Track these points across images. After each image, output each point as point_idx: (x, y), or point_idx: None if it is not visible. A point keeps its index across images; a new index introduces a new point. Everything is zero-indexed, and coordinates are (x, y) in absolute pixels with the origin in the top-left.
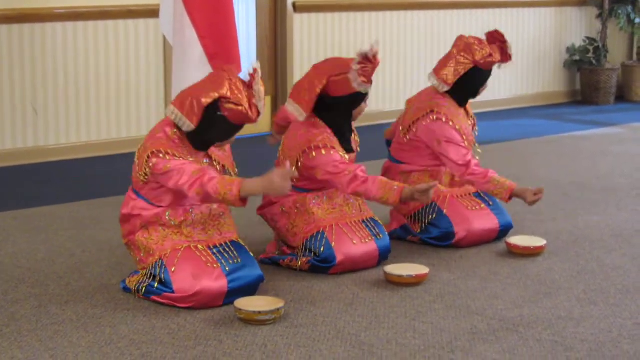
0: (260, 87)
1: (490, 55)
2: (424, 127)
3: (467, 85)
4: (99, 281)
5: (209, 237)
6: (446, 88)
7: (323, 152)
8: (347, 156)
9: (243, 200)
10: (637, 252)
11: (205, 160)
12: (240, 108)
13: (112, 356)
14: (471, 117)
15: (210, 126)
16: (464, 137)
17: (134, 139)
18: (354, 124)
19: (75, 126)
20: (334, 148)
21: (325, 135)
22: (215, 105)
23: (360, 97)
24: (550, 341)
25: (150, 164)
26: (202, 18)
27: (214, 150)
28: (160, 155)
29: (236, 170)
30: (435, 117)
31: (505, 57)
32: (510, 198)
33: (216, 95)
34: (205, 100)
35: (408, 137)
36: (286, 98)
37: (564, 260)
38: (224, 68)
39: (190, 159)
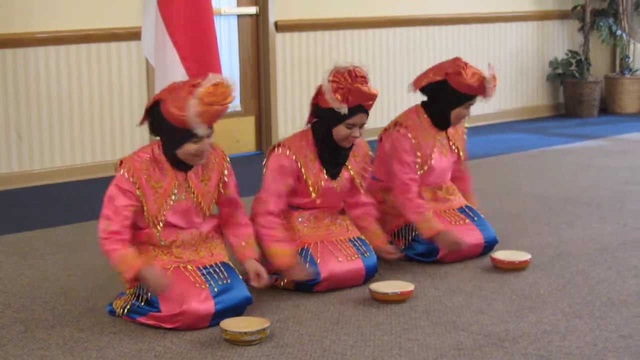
0: (202, 90)
1: (463, 77)
2: (388, 140)
3: (439, 99)
4: (84, 305)
5: (200, 257)
6: (413, 89)
7: (279, 150)
8: (324, 178)
9: (133, 282)
10: (621, 265)
11: (179, 193)
12: (174, 110)
13: None
14: (454, 145)
15: (161, 131)
16: (418, 156)
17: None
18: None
19: (59, 150)
20: (292, 151)
21: (302, 143)
22: (157, 109)
23: (337, 117)
24: (535, 355)
25: (115, 172)
26: (184, 39)
27: (192, 178)
28: (122, 171)
29: (210, 210)
30: (398, 129)
31: (481, 90)
32: (431, 239)
33: (156, 96)
34: (148, 104)
35: (377, 152)
36: (270, 118)
37: (549, 274)
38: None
39: (155, 183)
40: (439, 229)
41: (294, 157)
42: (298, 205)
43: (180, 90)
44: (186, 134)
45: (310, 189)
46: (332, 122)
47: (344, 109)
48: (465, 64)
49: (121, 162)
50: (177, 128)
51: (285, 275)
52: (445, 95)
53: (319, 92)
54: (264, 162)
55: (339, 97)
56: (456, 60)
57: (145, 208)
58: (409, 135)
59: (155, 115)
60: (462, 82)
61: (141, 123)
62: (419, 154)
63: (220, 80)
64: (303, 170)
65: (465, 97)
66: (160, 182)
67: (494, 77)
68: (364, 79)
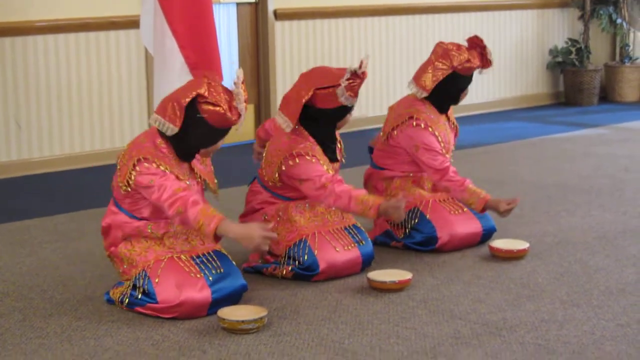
0: (240, 90)
1: (469, 60)
2: (404, 133)
3: (447, 91)
4: (82, 293)
5: (192, 247)
6: (425, 94)
7: (305, 159)
8: (330, 165)
9: (217, 237)
10: (620, 254)
11: (188, 180)
12: (218, 108)
13: None
14: (453, 124)
15: (191, 129)
16: (442, 144)
17: (117, 150)
18: (339, 132)
19: (58, 138)
20: (315, 157)
21: (308, 144)
22: (194, 106)
23: (345, 110)
24: (533, 344)
25: (135, 173)
26: (183, 28)
27: (195, 164)
28: (146, 164)
29: (216, 184)
30: (414, 123)
31: (485, 62)
32: (484, 209)
33: (194, 93)
34: (185, 100)
35: (389, 143)
36: (269, 106)
37: (547, 262)
38: (205, 74)
39: (173, 172)
40: (486, 198)
41: (321, 161)
42: (293, 196)
43: (218, 92)
44: (221, 133)
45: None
46: (339, 116)
47: (355, 102)
48: (456, 46)
49: (136, 161)
50: (214, 127)
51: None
52: (456, 83)
53: (321, 96)
54: (290, 169)
55: (352, 94)
56: (446, 49)
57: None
58: (430, 129)
59: (191, 115)
60: (470, 68)
61: (180, 124)
62: (442, 145)
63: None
64: (325, 167)
65: (469, 78)
66: (173, 168)
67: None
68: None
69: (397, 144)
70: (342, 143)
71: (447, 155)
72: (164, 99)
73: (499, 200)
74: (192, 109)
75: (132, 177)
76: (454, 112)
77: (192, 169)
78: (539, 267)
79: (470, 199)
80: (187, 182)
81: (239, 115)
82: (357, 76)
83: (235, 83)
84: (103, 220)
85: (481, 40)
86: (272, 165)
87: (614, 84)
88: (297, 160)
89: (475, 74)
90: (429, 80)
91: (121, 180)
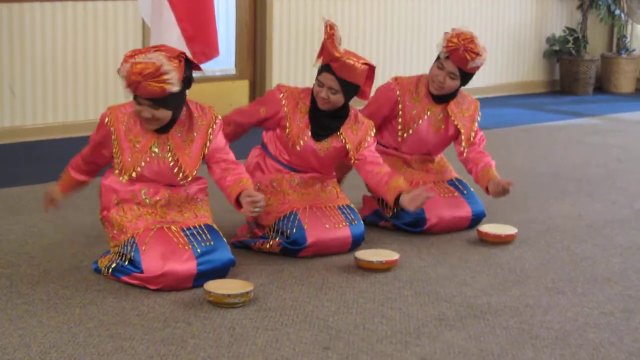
0: (140, 60)
1: (450, 41)
2: (378, 89)
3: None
4: (70, 262)
5: (185, 219)
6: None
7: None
8: (307, 135)
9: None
10: (607, 243)
11: (156, 149)
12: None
13: (81, 336)
14: (455, 121)
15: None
16: (400, 117)
17: None
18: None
19: (52, 107)
20: (286, 94)
21: (300, 95)
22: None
23: (323, 71)
24: (516, 329)
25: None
26: (180, 1)
27: (177, 142)
28: (107, 111)
29: (192, 173)
30: (390, 81)
31: (462, 63)
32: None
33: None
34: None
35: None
36: (264, 82)
37: (535, 249)
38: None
39: (130, 134)
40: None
41: (283, 101)
42: (282, 159)
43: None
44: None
45: (289, 136)
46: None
47: (318, 64)
48: (460, 31)
49: (108, 108)
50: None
51: None
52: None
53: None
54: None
55: (318, 52)
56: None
57: (120, 159)
58: (398, 92)
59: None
60: (448, 49)
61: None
62: (400, 114)
63: (161, 63)
64: (288, 116)
65: (440, 55)
66: (139, 137)
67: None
68: (332, 38)
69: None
70: (349, 142)
71: (404, 134)
72: None
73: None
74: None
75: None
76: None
77: (168, 142)
78: (526, 253)
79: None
80: (154, 150)
81: (138, 73)
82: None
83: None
84: (102, 179)
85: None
86: None
87: (609, 75)
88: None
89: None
90: None
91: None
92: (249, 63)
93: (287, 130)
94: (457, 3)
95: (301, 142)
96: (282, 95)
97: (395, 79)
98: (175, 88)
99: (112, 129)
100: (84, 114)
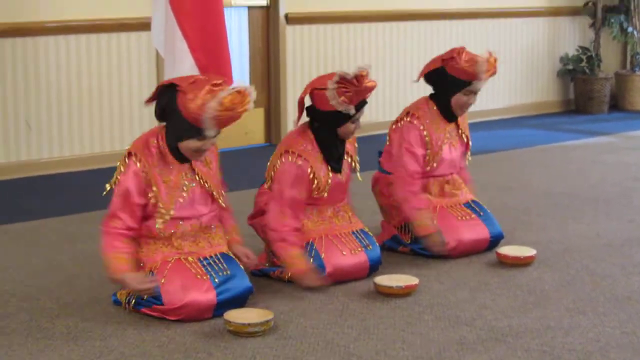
0: (225, 94)
1: (457, 62)
2: (397, 128)
3: (440, 88)
4: (89, 294)
5: (200, 248)
6: (417, 78)
7: (291, 164)
8: (330, 175)
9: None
10: (626, 261)
11: (187, 182)
12: (189, 96)
13: None
14: (463, 135)
15: (169, 118)
16: (429, 148)
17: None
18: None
19: (68, 139)
20: (306, 160)
21: (308, 146)
22: (173, 98)
23: (343, 117)
24: (538, 351)
25: (121, 167)
26: (194, 31)
27: (198, 166)
28: (127, 160)
29: (223, 192)
30: (409, 119)
31: (476, 76)
32: (422, 237)
33: (173, 81)
34: (162, 82)
35: (388, 144)
36: (279, 110)
37: (554, 270)
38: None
39: (154, 172)
40: (432, 230)
41: (309, 168)
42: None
43: (202, 86)
44: (194, 130)
45: (320, 188)
46: (339, 122)
47: (352, 110)
48: (463, 50)
49: (130, 153)
50: (187, 122)
51: (298, 281)
52: (445, 82)
53: (318, 97)
54: (272, 169)
55: (346, 100)
56: (455, 48)
57: (160, 203)
58: (421, 127)
59: (168, 101)
60: (456, 68)
61: (149, 101)
62: (428, 146)
63: (243, 88)
64: (314, 174)
65: (462, 83)
66: (169, 175)
67: (490, 61)
68: (367, 77)
69: (392, 141)
70: (353, 157)
71: (434, 164)
72: None
73: (437, 243)
74: (169, 98)
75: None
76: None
77: (193, 170)
78: (545, 274)
79: (417, 221)
80: (186, 183)
81: (217, 120)
82: (350, 82)
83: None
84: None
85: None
86: (270, 164)
87: (624, 92)
88: (289, 159)
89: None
90: (425, 69)
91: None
92: (264, 91)
93: (316, 184)
94: (469, 25)
95: (328, 183)
96: (301, 162)
97: (412, 114)
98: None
99: (143, 173)
100: (99, 147)
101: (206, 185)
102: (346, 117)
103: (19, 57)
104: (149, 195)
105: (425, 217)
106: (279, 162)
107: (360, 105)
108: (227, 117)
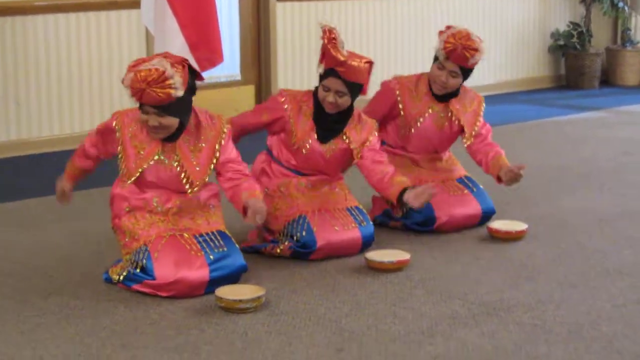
0: (142, 68)
1: (447, 42)
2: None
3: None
4: (81, 273)
5: (197, 225)
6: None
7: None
8: (310, 140)
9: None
10: (618, 236)
11: (162, 156)
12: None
13: (94, 347)
14: (454, 119)
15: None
16: (402, 114)
17: None
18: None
19: (58, 118)
20: (286, 99)
21: (302, 98)
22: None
23: (320, 78)
24: (529, 324)
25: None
26: (184, 7)
27: (183, 149)
28: (115, 115)
29: (198, 183)
30: (391, 80)
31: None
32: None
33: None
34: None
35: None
36: (269, 87)
37: (546, 244)
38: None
39: (135, 141)
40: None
41: (285, 106)
42: (288, 163)
43: (148, 61)
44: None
45: (294, 140)
46: (319, 83)
47: (320, 69)
48: (458, 30)
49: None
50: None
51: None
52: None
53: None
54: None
55: (320, 57)
56: (460, 29)
57: (124, 165)
58: (397, 91)
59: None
60: (440, 38)
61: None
62: (402, 112)
63: (163, 68)
64: (292, 120)
65: (439, 55)
66: (144, 144)
67: (467, 47)
68: (334, 42)
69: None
70: (352, 142)
71: (406, 131)
72: None
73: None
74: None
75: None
76: None
77: (174, 150)
78: (537, 249)
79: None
80: (160, 157)
81: (145, 82)
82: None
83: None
84: (112, 188)
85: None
86: None
87: (615, 68)
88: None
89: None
90: None
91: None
92: (254, 68)
93: (293, 134)
94: (460, 1)
95: (307, 146)
96: (283, 99)
97: (396, 77)
98: (180, 92)
99: (117, 134)
100: (90, 125)
101: (184, 170)
102: (320, 79)
103: (8, 36)
104: (118, 149)
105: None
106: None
107: (328, 72)
108: (140, 89)
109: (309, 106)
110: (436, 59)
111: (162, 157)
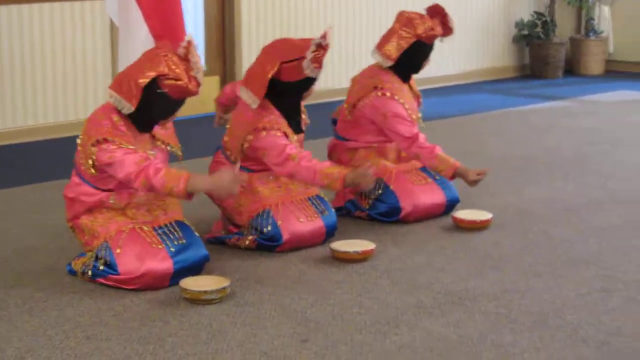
0: (196, 59)
1: (432, 29)
2: (369, 104)
3: (411, 59)
4: (44, 265)
5: (154, 217)
6: (390, 63)
7: (269, 133)
8: (295, 137)
9: (189, 195)
10: (583, 225)
11: (151, 150)
12: (179, 82)
13: (57, 339)
14: (415, 92)
15: (152, 105)
16: (409, 112)
17: (81, 122)
18: (303, 103)
19: (21, 109)
20: (280, 130)
21: (272, 117)
22: (153, 83)
23: (310, 81)
24: (495, 313)
25: (94, 154)
26: None
27: (157, 130)
28: (104, 145)
29: (180, 146)
30: (380, 93)
31: (447, 30)
32: (453, 177)
33: (153, 74)
34: (143, 81)
35: (353, 115)
36: (234, 78)
37: (511, 233)
38: (158, 45)
39: (132, 147)
40: (456, 165)
41: (286, 133)
42: (256, 169)
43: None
44: (178, 104)
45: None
46: (305, 87)
47: (319, 73)
48: (419, 15)
49: (94, 142)
50: (176, 100)
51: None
52: (420, 52)
53: (287, 69)
54: (255, 142)
55: (317, 65)
56: (409, 18)
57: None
58: (395, 97)
59: (151, 93)
60: (434, 36)
61: (136, 103)
62: (409, 111)
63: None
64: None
65: (433, 45)
66: (133, 143)
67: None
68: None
69: (362, 115)
70: (306, 113)
71: (415, 123)
72: (119, 75)
73: (468, 169)
74: (152, 87)
75: (92, 159)
76: (417, 83)
77: (153, 138)
78: (502, 238)
79: (440, 165)
80: (151, 152)
81: (198, 84)
82: (322, 47)
83: (185, 48)
84: (65, 191)
85: (442, 9)
86: (237, 139)
87: (579, 57)
88: (263, 134)
89: (437, 43)
90: (394, 49)
91: (84, 163)
92: (219, 59)
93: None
94: None
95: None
96: (279, 134)
97: (382, 88)
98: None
99: (122, 144)
100: (53, 116)
101: (168, 148)
102: (312, 81)
103: None
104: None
105: (442, 159)
106: (251, 137)
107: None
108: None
109: (278, 115)
110: (421, 48)
111: (152, 151)
